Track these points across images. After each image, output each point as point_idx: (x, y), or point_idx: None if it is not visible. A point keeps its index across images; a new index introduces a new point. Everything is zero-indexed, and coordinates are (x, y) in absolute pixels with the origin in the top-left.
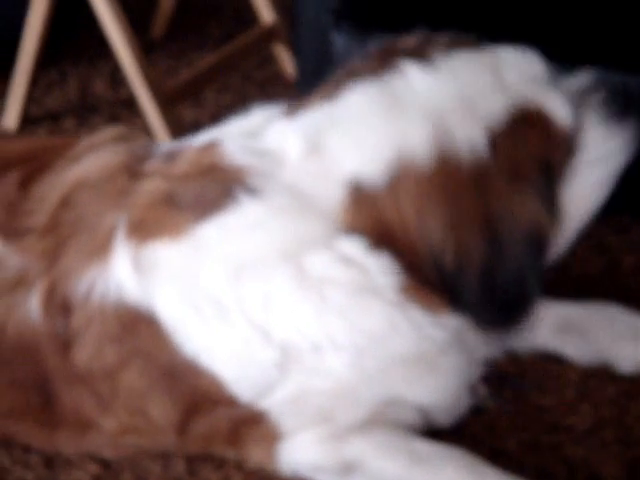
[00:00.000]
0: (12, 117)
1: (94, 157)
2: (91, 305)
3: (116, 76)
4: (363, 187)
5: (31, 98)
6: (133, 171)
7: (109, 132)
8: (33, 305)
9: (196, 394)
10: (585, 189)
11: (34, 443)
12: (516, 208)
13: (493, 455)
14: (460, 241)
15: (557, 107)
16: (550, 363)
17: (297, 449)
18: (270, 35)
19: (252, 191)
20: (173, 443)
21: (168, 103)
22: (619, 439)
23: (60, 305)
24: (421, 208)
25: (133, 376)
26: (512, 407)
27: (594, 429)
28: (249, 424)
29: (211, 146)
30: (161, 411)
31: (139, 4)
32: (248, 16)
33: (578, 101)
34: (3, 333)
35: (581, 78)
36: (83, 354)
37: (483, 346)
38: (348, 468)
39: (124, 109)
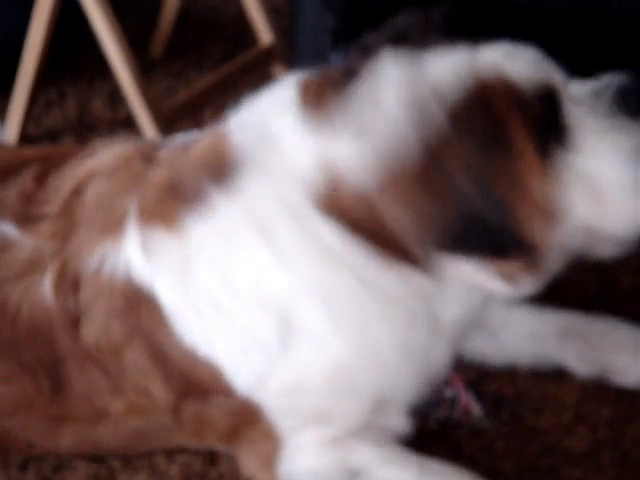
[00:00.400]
0: (11, 135)
1: (108, 150)
2: (100, 279)
3: (115, 96)
4: (349, 182)
5: (30, 117)
6: (148, 157)
7: (120, 137)
8: (46, 285)
9: (190, 380)
10: (589, 186)
11: (37, 440)
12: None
13: (490, 477)
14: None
15: (519, 69)
16: (547, 384)
17: (298, 457)
18: (268, 55)
19: (237, 187)
20: (170, 425)
21: (167, 123)
22: (616, 462)
23: (71, 282)
24: (398, 201)
25: (136, 354)
26: (508, 429)
27: (591, 452)
28: (247, 424)
29: (221, 137)
30: (159, 389)
31: (138, 24)
32: (247, 36)
33: (587, 102)
34: (18, 317)
35: (594, 82)
36: (91, 329)
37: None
38: (353, 476)
39: (123, 129)
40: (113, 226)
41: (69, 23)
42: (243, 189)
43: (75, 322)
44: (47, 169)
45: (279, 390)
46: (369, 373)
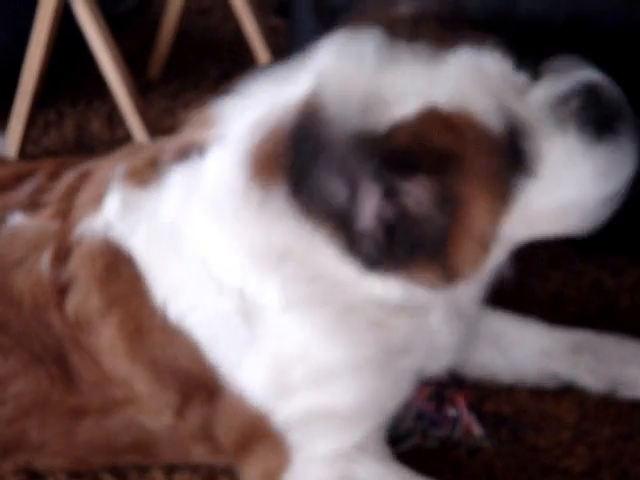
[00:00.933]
0: (10, 156)
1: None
2: (85, 244)
3: (113, 116)
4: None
5: (28, 138)
6: (146, 144)
7: None
8: (45, 262)
9: (180, 371)
10: (543, 207)
11: (53, 441)
12: None
13: None
14: None
15: (481, 111)
16: (546, 403)
17: (302, 473)
18: None
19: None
20: (173, 427)
21: None
22: None
23: (64, 254)
24: None
25: (112, 331)
26: (508, 448)
27: (591, 471)
28: (255, 436)
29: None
30: (146, 387)
31: (136, 45)
32: (244, 56)
33: (553, 111)
34: (22, 301)
35: (559, 83)
36: (73, 299)
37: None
38: None
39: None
40: (99, 195)
41: (67, 44)
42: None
43: (63, 294)
44: (62, 168)
45: (266, 379)
46: (338, 350)
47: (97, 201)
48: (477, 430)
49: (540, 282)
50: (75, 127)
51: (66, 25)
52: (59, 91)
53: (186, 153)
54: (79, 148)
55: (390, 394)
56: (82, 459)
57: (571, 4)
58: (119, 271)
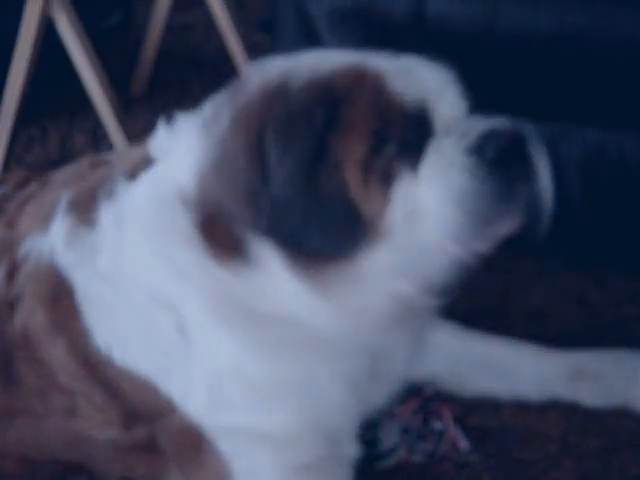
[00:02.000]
0: None
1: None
2: (31, 263)
3: (97, 132)
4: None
5: (11, 154)
6: (96, 163)
7: None
8: None
9: (126, 396)
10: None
11: None
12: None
13: None
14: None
15: (396, 80)
16: (531, 416)
17: None
18: None
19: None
20: (120, 439)
21: None
22: None
23: (13, 269)
24: None
25: (61, 351)
26: (494, 462)
27: None
28: (193, 448)
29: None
30: (90, 405)
31: (119, 61)
32: (227, 72)
33: (456, 135)
34: None
35: (491, 122)
36: (21, 314)
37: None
38: None
39: None
40: (46, 214)
41: (51, 60)
42: (138, 186)
43: (12, 307)
44: (30, 179)
45: (204, 394)
46: (270, 370)
47: (44, 220)
48: (463, 444)
49: (524, 296)
50: (59, 143)
51: (49, 41)
52: (42, 107)
53: (113, 188)
54: (63, 164)
55: (329, 414)
56: (21, 457)
57: (554, 18)
58: (62, 299)
